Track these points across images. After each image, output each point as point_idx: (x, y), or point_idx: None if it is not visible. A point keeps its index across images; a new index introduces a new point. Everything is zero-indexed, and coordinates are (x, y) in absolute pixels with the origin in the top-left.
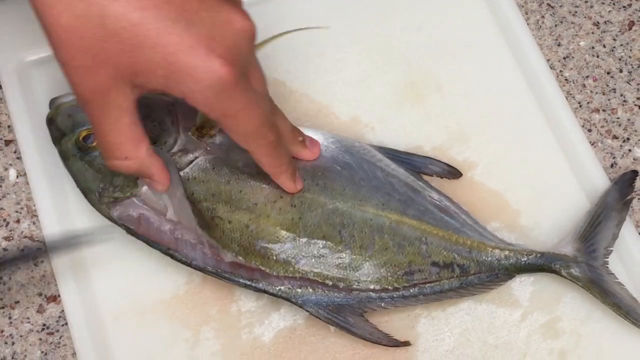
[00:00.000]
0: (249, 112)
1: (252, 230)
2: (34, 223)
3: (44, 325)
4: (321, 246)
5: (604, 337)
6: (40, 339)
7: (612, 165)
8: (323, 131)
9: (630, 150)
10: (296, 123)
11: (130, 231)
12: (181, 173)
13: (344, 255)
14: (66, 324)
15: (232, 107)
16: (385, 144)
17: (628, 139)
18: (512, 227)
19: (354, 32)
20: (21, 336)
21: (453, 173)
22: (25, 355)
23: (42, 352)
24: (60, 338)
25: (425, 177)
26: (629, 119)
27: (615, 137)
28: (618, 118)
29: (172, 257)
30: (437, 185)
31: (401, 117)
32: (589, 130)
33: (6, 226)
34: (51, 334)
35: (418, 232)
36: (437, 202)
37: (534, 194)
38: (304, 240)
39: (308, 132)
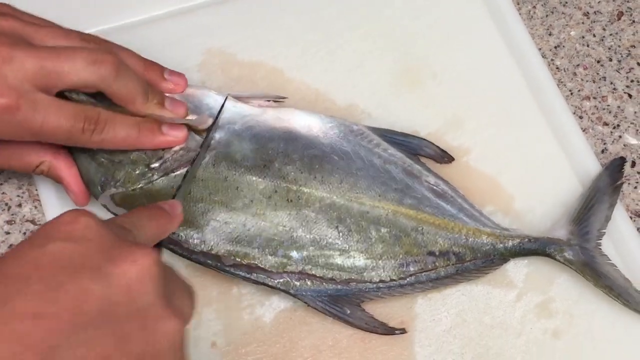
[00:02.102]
0: (49, 121)
1: (249, 230)
2: (35, 207)
3: None
4: (318, 241)
5: (596, 317)
6: None
7: (602, 151)
8: (321, 115)
9: (620, 137)
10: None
11: None
12: (181, 170)
13: (341, 250)
14: None
15: (33, 125)
16: None
17: (618, 125)
18: (506, 211)
19: (350, 19)
20: None
21: (445, 157)
22: None
23: None
24: None
25: (422, 159)
26: (618, 106)
27: (605, 124)
28: (608, 105)
29: (173, 251)
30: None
31: (397, 103)
32: (580, 117)
33: (8, 210)
34: None
35: (414, 222)
36: (434, 187)
37: (527, 179)
38: (301, 235)
39: (307, 116)
